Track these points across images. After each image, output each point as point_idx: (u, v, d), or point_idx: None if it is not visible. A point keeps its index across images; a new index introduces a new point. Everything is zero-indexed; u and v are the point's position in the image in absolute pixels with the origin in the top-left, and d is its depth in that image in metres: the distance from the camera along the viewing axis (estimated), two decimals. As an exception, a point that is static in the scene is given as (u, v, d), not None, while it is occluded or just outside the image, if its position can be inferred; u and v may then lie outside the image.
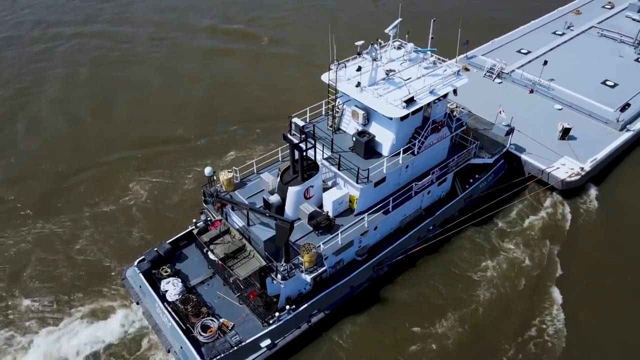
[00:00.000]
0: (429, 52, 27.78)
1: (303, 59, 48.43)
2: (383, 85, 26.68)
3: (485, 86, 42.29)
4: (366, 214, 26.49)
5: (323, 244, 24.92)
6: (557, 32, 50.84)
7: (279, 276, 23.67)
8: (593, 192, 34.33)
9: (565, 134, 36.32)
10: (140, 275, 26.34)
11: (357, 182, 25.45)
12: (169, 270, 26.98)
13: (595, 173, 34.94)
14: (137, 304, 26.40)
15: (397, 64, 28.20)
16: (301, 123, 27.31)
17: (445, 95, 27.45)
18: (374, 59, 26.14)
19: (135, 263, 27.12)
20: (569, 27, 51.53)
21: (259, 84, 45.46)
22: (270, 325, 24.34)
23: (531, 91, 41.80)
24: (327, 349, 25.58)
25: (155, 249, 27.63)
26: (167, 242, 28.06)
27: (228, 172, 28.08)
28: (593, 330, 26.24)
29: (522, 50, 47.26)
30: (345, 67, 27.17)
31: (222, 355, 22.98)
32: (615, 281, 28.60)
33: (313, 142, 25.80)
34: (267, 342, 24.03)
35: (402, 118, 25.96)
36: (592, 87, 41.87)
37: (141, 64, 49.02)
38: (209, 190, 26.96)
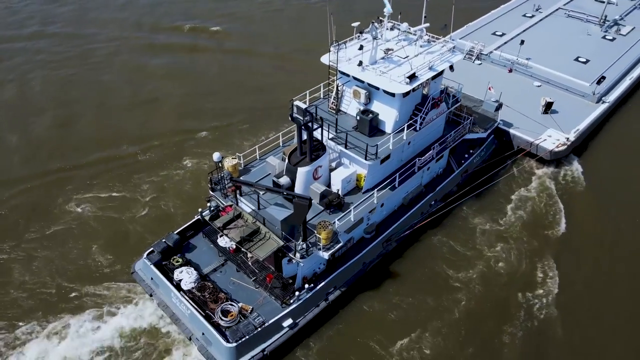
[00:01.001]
0: (424, 30, 28.49)
1: (271, 55, 48.38)
2: (383, 63, 27.21)
3: (466, 68, 43.35)
4: (375, 190, 26.97)
5: (338, 220, 25.23)
6: (527, 15, 52.89)
7: (298, 255, 23.81)
8: (576, 161, 36.07)
9: (548, 107, 37.95)
10: (152, 266, 25.92)
11: (365, 159, 25.88)
12: (180, 260, 26.66)
13: (578, 143, 36.68)
14: (150, 295, 26.00)
15: (393, 43, 28.82)
16: (303, 105, 27.47)
17: (442, 72, 28.26)
18: (375, 38, 26.63)
19: (145, 255, 26.67)
20: (537, 9, 53.70)
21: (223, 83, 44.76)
22: (290, 305, 24.47)
23: (510, 70, 43.38)
24: (344, 326, 25.90)
25: (164, 240, 27.24)
26: (175, 232, 27.74)
27: (232, 158, 27.97)
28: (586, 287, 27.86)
29: (497, 33, 48.94)
30: (346, 47, 27.56)
31: (248, 337, 22.96)
32: (603, 229, 31.18)
33: (319, 122, 26.05)
34: (289, 321, 24.17)
35: (405, 94, 26.57)
36: (566, 64, 43.84)
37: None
38: (224, 175, 26.74)
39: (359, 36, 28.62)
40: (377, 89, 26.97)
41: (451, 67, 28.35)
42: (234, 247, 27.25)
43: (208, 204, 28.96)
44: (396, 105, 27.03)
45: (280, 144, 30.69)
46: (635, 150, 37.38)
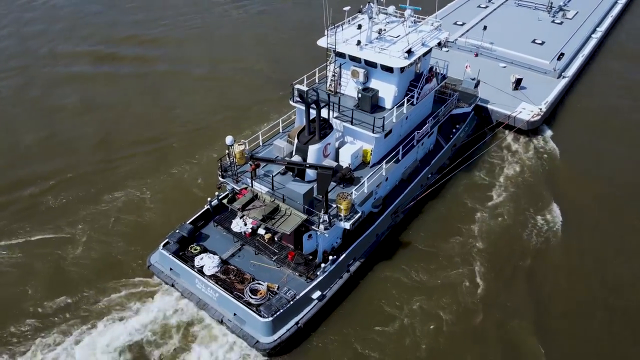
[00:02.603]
0: (412, 10, 30.22)
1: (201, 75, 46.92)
2: (378, 43, 28.57)
3: (434, 55, 45.77)
4: (383, 162, 28.11)
5: (355, 190, 26.12)
6: (481, 6, 56.54)
7: (322, 226, 24.42)
8: (548, 129, 39.07)
9: (518, 84, 40.84)
10: (171, 256, 25.67)
11: (373, 132, 26.99)
12: (198, 247, 26.56)
13: (548, 115, 39.69)
14: (172, 286, 25.68)
15: (383, 25, 30.30)
16: (304, 88, 28.29)
17: (431, 49, 30.00)
18: (370, 17, 27.98)
19: (161, 247, 26.36)
20: (490, 1, 57.52)
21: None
22: (316, 278, 24.98)
23: (476, 55, 46.20)
24: (367, 296, 26.68)
25: (177, 230, 27.04)
26: (188, 222, 27.59)
27: (239, 145, 28.23)
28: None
29: (458, 23, 51.97)
30: (343, 29, 28.74)
31: (282, 310, 23.25)
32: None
33: (326, 101, 26.94)
34: (318, 293, 24.67)
35: (402, 70, 28.01)
36: (525, 46, 47.29)
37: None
38: (246, 153, 26.99)
39: (353, 18, 29.88)
40: (375, 67, 28.26)
41: (439, 44, 30.15)
42: (250, 231, 27.54)
43: (216, 194, 29.32)
44: (394, 81, 28.40)
45: (280, 130, 31.28)
46: (594, 115, 41.37)
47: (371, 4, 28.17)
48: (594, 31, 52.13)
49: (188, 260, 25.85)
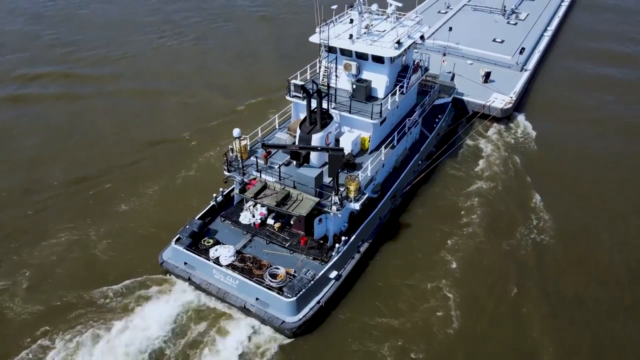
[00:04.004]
0: (394, 8, 32.29)
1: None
2: (367, 37, 30.35)
3: (406, 56, 48.56)
4: (382, 147, 29.58)
5: (361, 172, 27.36)
6: (441, 11, 60.17)
7: (334, 207, 25.43)
8: (519, 115, 42.13)
9: (487, 77, 43.82)
10: (185, 250, 25.85)
11: (371, 118, 28.49)
12: (210, 240, 26.86)
13: (517, 103, 42.74)
14: (189, 279, 25.79)
15: (368, 21, 32.17)
16: (300, 82, 29.58)
17: (414, 42, 32.09)
18: (360, 13, 29.77)
19: (173, 242, 26.49)
20: (448, 7, 61.29)
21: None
22: (330, 259, 25.83)
23: (444, 54, 49.05)
24: (377, 275, 27.75)
25: (187, 226, 27.26)
26: (196, 218, 27.87)
27: (242, 140, 28.97)
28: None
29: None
30: (334, 25, 30.35)
31: (304, 289, 23.91)
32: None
33: (325, 92, 28.24)
34: (334, 273, 25.51)
35: (392, 60, 29.84)
36: (487, 44, 50.78)
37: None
38: (260, 140, 27.82)
39: (341, 16, 31.60)
40: (367, 59, 29.96)
41: (422, 37, 32.30)
42: (259, 221, 28.11)
43: (220, 190, 29.78)
44: (386, 72, 30.17)
45: (277, 127, 32.27)
46: (554, 101, 45.13)
47: (361, 1, 30.00)
48: (545, 30, 56.65)
49: (202, 253, 26.10)
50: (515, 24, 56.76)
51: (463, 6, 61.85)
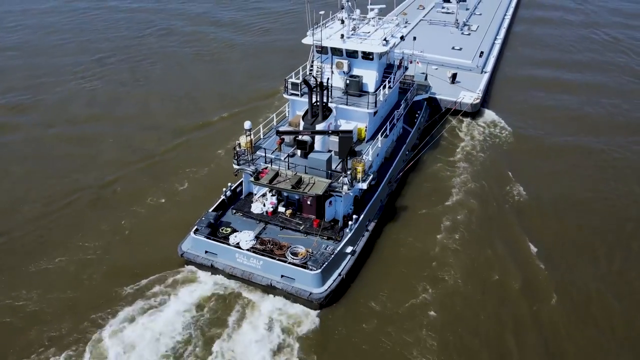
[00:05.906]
0: (377, 11, 35.53)
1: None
2: (355, 37, 33.22)
3: (376, 65, 52.14)
4: (378, 135, 32.06)
5: (365, 155, 29.59)
6: (399, 25, 64.72)
7: (345, 187, 27.40)
8: (486, 109, 46.32)
9: (454, 78, 47.91)
10: (205, 238, 26.85)
11: (367, 108, 31.03)
12: (228, 229, 27.99)
13: (482, 100, 46.95)
14: (211, 266, 26.69)
15: (354, 24, 35.13)
16: (297, 81, 31.85)
17: (397, 41, 35.35)
18: (350, 15, 32.66)
19: (192, 233, 27.40)
20: (406, 22, 65.87)
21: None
22: (345, 236, 27.62)
23: (411, 62, 53.01)
24: (387, 252, 29.78)
25: (203, 218, 28.27)
26: (211, 210, 28.95)
27: (246, 136, 30.59)
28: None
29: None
30: (326, 27, 33.01)
31: (327, 262, 25.50)
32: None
33: (325, 86, 30.54)
34: (350, 248, 27.31)
35: (381, 56, 32.76)
36: (448, 52, 55.42)
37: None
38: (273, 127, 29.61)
39: (332, 19, 34.43)
40: (356, 57, 32.71)
41: (402, 37, 35.59)
42: (271, 209, 29.56)
43: (229, 184, 31.07)
44: (375, 67, 33.01)
45: (275, 124, 34.15)
46: (512, 97, 50.14)
47: (349, 3, 32.93)
48: (495, 38, 62.37)
49: (221, 240, 27.16)
50: (469, 34, 62.13)
51: (420, 21, 66.95)
